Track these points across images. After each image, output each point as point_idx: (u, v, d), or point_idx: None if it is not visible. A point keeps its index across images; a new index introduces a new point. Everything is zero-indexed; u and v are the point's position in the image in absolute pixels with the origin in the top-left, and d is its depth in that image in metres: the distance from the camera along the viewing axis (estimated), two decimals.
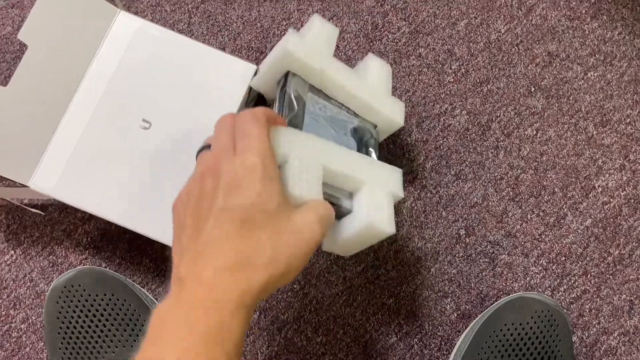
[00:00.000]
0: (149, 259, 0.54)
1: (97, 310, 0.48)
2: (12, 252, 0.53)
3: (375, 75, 0.48)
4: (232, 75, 0.49)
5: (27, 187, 0.46)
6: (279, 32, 0.58)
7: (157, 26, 0.50)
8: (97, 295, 0.48)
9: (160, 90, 0.48)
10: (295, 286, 0.54)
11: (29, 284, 0.54)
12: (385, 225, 0.40)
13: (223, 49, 0.57)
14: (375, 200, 0.41)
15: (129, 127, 0.48)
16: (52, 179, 0.47)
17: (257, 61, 0.57)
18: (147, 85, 0.48)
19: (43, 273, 0.54)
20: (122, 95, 0.48)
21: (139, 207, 0.47)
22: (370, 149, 0.47)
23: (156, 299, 0.53)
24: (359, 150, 0.46)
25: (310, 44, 0.43)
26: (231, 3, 0.58)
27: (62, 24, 0.47)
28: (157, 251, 0.54)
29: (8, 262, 0.53)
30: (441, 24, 0.59)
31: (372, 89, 0.47)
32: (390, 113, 0.48)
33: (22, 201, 0.53)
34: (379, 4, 0.59)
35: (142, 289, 0.53)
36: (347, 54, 0.58)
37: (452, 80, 0.58)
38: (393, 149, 0.56)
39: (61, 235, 0.54)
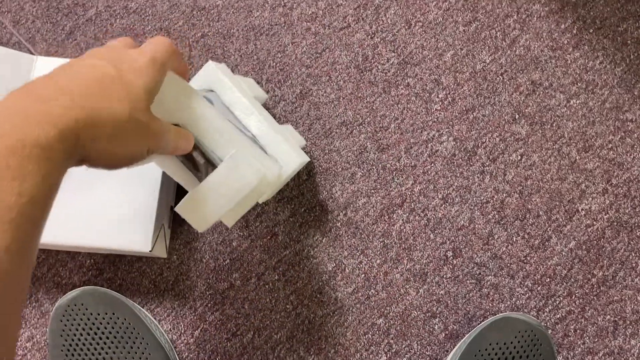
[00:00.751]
0: (148, 280, 0.57)
1: (98, 328, 0.50)
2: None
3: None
4: None
5: None
6: (274, 63, 0.61)
7: (58, 59, 0.53)
8: (98, 314, 0.51)
9: None
10: (288, 306, 0.56)
11: (34, 304, 0.56)
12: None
13: None
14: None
15: None
16: None
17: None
18: None
19: (48, 293, 0.57)
20: None
21: (114, 226, 0.50)
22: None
23: (155, 318, 0.55)
24: None
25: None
26: (229, 37, 0.62)
27: None
28: (155, 272, 0.57)
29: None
30: (428, 55, 0.62)
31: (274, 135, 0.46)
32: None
33: None
34: (369, 36, 0.62)
35: (141, 308, 0.55)
36: (339, 84, 0.61)
37: (439, 108, 0.60)
38: (382, 173, 0.59)
39: (65, 258, 0.57)
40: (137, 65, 0.34)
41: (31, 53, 0.60)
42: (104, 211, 0.51)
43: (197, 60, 0.61)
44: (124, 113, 0.31)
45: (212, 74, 0.46)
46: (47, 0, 0.61)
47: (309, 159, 0.48)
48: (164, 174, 0.52)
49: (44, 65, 0.53)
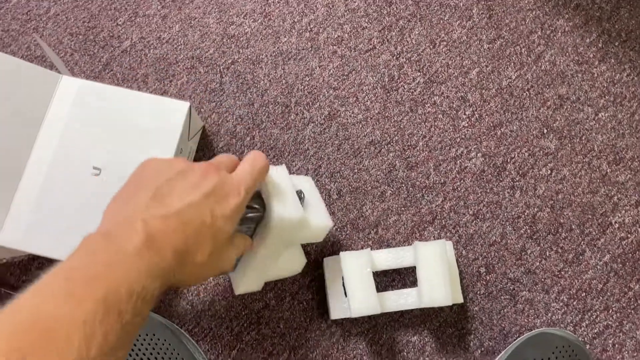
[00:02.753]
0: (185, 301, 0.58)
1: (139, 350, 0.52)
2: None
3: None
4: (168, 114, 0.54)
5: None
6: (302, 87, 0.63)
7: (96, 83, 0.55)
8: (139, 335, 0.52)
9: (105, 138, 0.54)
10: (322, 325, 0.56)
11: None
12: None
13: (252, 105, 0.62)
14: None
15: (81, 175, 0.53)
16: (18, 234, 0.52)
17: (283, 114, 0.62)
18: (93, 135, 0.54)
19: None
20: (73, 148, 0.54)
21: None
22: None
23: (192, 338, 0.57)
24: None
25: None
26: (258, 62, 0.64)
27: (10, 95, 0.53)
28: (192, 294, 0.58)
29: None
30: (454, 73, 0.63)
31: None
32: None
33: None
34: (394, 57, 0.63)
35: (180, 329, 0.56)
36: (366, 104, 0.62)
37: (466, 125, 0.61)
38: (412, 191, 0.59)
39: None
40: (229, 211, 0.39)
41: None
42: (94, 229, 0.52)
43: (228, 87, 0.63)
44: (205, 255, 0.37)
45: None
46: (84, 34, 0.64)
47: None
48: None
49: (69, 84, 0.55)
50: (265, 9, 0.65)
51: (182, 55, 0.64)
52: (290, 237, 0.48)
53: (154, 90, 0.63)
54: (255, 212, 0.46)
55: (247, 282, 0.49)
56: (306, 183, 0.53)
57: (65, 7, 0.65)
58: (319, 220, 0.50)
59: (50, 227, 0.52)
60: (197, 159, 0.61)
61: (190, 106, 0.55)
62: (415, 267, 0.53)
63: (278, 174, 0.48)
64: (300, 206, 0.47)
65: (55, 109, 0.55)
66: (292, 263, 0.53)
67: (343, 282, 0.53)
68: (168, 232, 0.35)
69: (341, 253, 0.53)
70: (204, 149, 0.61)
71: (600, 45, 0.63)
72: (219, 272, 0.42)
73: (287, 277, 0.54)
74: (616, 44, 0.63)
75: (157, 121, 0.54)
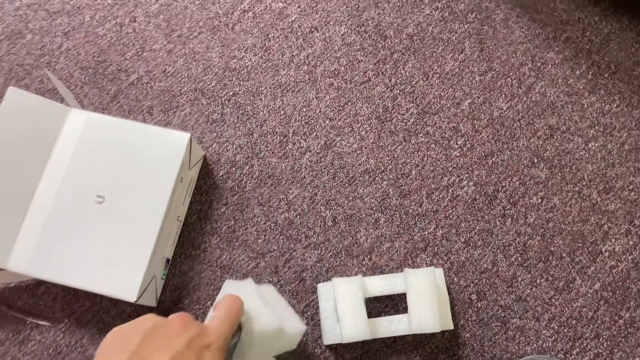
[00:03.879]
0: None
1: None
2: (66, 320, 0.60)
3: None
4: (169, 145, 0.57)
5: (5, 269, 0.54)
6: (300, 117, 0.65)
7: (102, 115, 0.59)
8: None
9: (109, 168, 0.57)
10: (316, 350, 0.58)
11: (79, 349, 0.60)
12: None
13: (251, 135, 0.65)
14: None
15: (86, 203, 0.56)
16: (25, 260, 0.54)
17: (281, 143, 0.64)
18: (98, 165, 0.57)
19: (92, 339, 0.60)
20: (79, 177, 0.57)
21: (108, 273, 0.54)
22: None
23: None
24: None
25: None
26: (258, 94, 0.66)
27: (21, 127, 0.57)
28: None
29: (62, 329, 0.60)
30: (446, 104, 0.65)
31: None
32: None
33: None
34: (388, 89, 0.66)
35: None
36: (361, 134, 0.64)
37: (458, 154, 0.63)
38: (405, 218, 0.61)
39: (108, 305, 0.61)
40: (210, 347, 0.39)
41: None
42: (99, 256, 0.55)
43: (229, 117, 0.66)
44: None
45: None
46: (94, 68, 0.68)
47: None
48: (162, 227, 0.55)
49: (77, 116, 0.58)
50: (265, 44, 0.68)
51: (185, 88, 0.67)
52: (269, 349, 0.49)
53: (158, 121, 0.66)
54: (234, 340, 0.47)
55: None
56: (272, 292, 0.54)
57: (76, 42, 0.69)
58: (294, 326, 0.50)
59: (56, 253, 0.54)
60: (197, 187, 0.63)
61: (190, 137, 0.57)
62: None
63: (247, 295, 0.49)
64: (275, 317, 0.48)
65: (63, 139, 0.58)
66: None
67: (335, 308, 0.54)
68: None
69: (333, 279, 0.54)
70: (205, 177, 0.63)
71: (590, 77, 0.65)
72: None
73: None
74: (606, 75, 0.64)
75: (159, 151, 0.57)
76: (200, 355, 0.37)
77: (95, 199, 0.56)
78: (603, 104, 0.63)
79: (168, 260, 0.60)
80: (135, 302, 0.54)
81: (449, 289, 0.58)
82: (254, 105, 0.66)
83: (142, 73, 0.68)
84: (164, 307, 0.60)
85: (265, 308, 0.48)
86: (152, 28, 0.69)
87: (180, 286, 0.60)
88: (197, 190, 0.63)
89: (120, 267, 0.54)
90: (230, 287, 0.51)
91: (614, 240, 0.58)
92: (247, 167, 0.64)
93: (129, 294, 0.53)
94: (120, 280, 0.54)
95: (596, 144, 0.62)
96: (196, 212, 0.62)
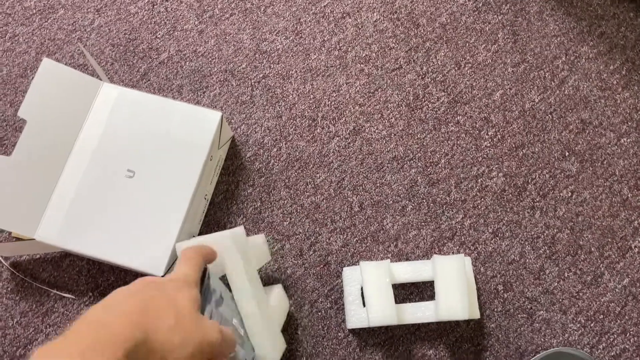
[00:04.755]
0: None
1: None
2: (90, 293, 0.60)
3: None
4: (200, 123, 0.57)
5: (34, 239, 0.54)
6: (329, 102, 0.65)
7: (134, 91, 0.58)
8: None
9: (140, 142, 0.57)
10: (339, 334, 0.57)
11: None
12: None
13: (280, 118, 0.64)
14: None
15: (116, 177, 0.56)
16: (54, 231, 0.54)
17: (310, 128, 0.64)
18: (129, 140, 0.57)
19: None
20: (110, 151, 0.56)
21: (135, 247, 0.54)
22: None
23: None
24: None
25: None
26: (288, 78, 0.66)
27: (54, 99, 0.57)
28: None
29: (86, 303, 0.60)
30: (478, 94, 0.64)
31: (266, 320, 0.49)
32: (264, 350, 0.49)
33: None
34: (419, 77, 0.65)
35: None
36: (391, 121, 0.64)
37: (488, 145, 0.62)
38: (433, 207, 0.61)
39: (132, 279, 0.61)
40: (177, 284, 0.40)
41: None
42: (127, 229, 0.55)
43: (259, 100, 0.66)
44: (171, 322, 0.36)
45: (223, 249, 0.49)
46: (125, 45, 0.68)
47: (283, 349, 0.52)
48: (190, 204, 0.55)
49: (109, 90, 0.58)
50: (297, 27, 0.68)
51: (216, 69, 0.67)
52: (246, 253, 0.50)
53: (188, 100, 0.65)
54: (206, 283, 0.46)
55: (272, 343, 0.50)
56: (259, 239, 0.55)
57: (108, 19, 0.69)
58: (256, 242, 0.52)
59: (84, 225, 0.54)
60: (225, 167, 0.63)
61: (222, 116, 0.57)
62: (433, 282, 0.54)
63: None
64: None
65: (95, 113, 0.58)
66: (280, 301, 0.55)
67: (362, 292, 0.54)
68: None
69: (361, 262, 0.54)
70: (232, 158, 0.63)
71: (624, 72, 0.64)
72: (190, 346, 0.37)
73: (284, 318, 0.55)
74: None
75: (190, 129, 0.57)
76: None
77: (126, 172, 0.56)
78: (637, 100, 0.63)
79: (194, 237, 0.60)
80: (163, 276, 0.53)
81: (475, 278, 0.58)
82: (284, 89, 0.66)
83: (173, 52, 0.68)
84: None
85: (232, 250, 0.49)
86: (184, 8, 0.69)
87: None
88: (224, 171, 0.63)
89: (148, 241, 0.54)
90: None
91: None
92: (275, 150, 0.63)
93: (156, 268, 0.53)
94: (147, 255, 0.54)
95: (629, 140, 0.61)
96: (223, 192, 0.62)
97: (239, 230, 0.51)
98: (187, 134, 0.57)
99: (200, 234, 0.61)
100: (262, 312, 0.49)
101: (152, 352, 0.34)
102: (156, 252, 0.54)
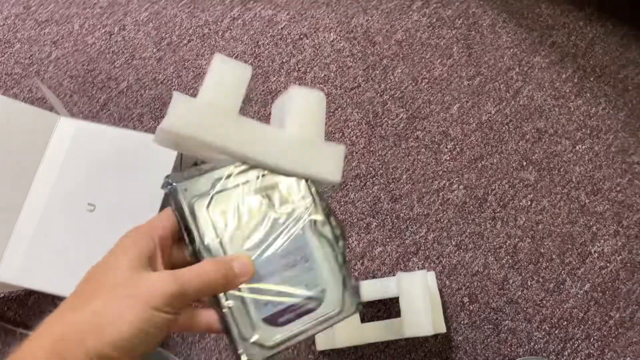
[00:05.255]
0: (176, 334, 0.59)
1: None
2: None
3: (300, 117, 0.38)
4: (160, 153, 0.55)
5: None
6: None
7: (92, 123, 0.58)
8: None
9: (100, 175, 0.56)
10: (310, 356, 0.57)
11: None
12: None
13: None
14: None
15: (77, 211, 0.55)
16: (14, 270, 0.54)
17: None
18: (89, 173, 0.56)
19: None
20: (69, 185, 0.56)
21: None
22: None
23: None
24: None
25: (204, 110, 0.36)
26: (249, 101, 0.67)
27: (10, 136, 0.56)
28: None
29: None
30: (435, 108, 0.65)
31: (294, 140, 0.37)
32: (318, 170, 0.37)
33: None
34: (378, 94, 0.66)
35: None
36: (352, 139, 0.65)
37: (448, 158, 0.63)
38: (397, 223, 0.61)
39: None
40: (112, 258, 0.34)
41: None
42: (90, 264, 0.53)
43: None
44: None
45: None
46: (83, 76, 0.68)
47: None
48: None
49: (66, 125, 0.58)
50: (255, 51, 0.68)
51: None
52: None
53: (149, 129, 0.65)
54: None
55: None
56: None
57: (65, 51, 0.69)
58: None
59: (46, 262, 0.54)
60: None
61: None
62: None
63: None
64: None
65: (53, 148, 0.58)
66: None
67: None
68: None
69: None
70: None
71: (576, 80, 0.65)
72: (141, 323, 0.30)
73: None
74: (591, 79, 0.65)
75: (150, 158, 0.57)
76: None
77: (86, 207, 0.56)
78: (589, 107, 0.64)
79: None
80: None
81: (440, 292, 0.58)
82: (244, 112, 0.66)
83: (132, 81, 0.68)
84: None
85: None
86: (142, 36, 0.69)
87: None
88: None
89: None
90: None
91: (602, 241, 0.59)
92: None
93: None
94: None
95: (583, 147, 0.63)
96: None
97: None
98: (148, 164, 0.57)
99: None
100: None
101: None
102: None
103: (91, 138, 0.58)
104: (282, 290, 0.34)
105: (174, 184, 0.34)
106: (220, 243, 0.33)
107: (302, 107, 0.38)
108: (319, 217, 0.36)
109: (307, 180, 0.37)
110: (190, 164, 0.62)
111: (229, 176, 0.35)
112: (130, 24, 0.70)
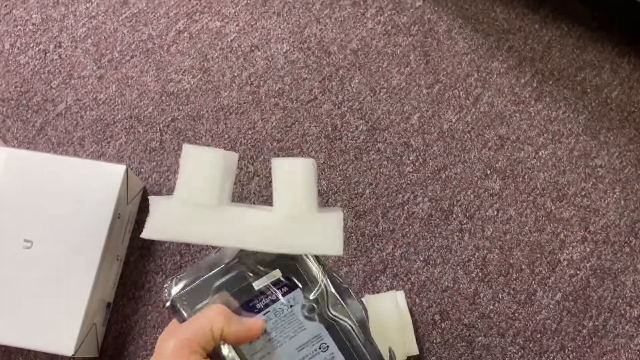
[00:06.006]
0: None
1: None
2: None
3: (288, 192, 0.37)
4: (103, 179, 0.52)
5: None
6: (245, 140, 0.62)
7: (25, 151, 0.53)
8: None
9: (37, 208, 0.51)
10: None
11: None
12: None
13: None
14: None
15: (12, 249, 0.50)
16: None
17: None
18: (24, 206, 0.51)
19: None
20: (2, 221, 0.51)
21: (40, 325, 0.49)
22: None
23: None
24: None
25: (180, 211, 0.35)
26: (199, 119, 0.63)
27: None
28: None
29: None
30: (395, 119, 0.63)
31: (285, 221, 0.36)
32: (316, 248, 0.36)
33: None
34: (336, 106, 0.63)
35: None
36: (311, 154, 0.62)
37: (411, 170, 0.61)
38: (362, 240, 0.59)
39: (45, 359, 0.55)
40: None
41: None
42: (28, 307, 0.49)
43: (169, 145, 0.62)
44: None
45: None
46: (17, 99, 0.62)
47: None
48: (99, 269, 0.50)
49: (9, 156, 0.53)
50: (204, 65, 0.65)
51: (120, 115, 0.62)
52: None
53: (91, 153, 0.61)
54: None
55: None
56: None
57: None
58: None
59: None
60: (138, 222, 0.58)
61: (126, 169, 0.53)
62: None
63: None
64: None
65: None
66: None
67: None
68: None
69: None
70: (145, 211, 0.59)
71: (535, 84, 0.64)
72: None
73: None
74: (550, 82, 0.65)
75: (92, 187, 0.52)
76: None
77: (23, 243, 0.51)
78: (550, 111, 0.63)
79: (109, 304, 0.55)
80: (74, 355, 0.49)
81: (411, 311, 0.56)
82: (195, 130, 0.62)
83: (71, 102, 0.63)
84: (107, 357, 0.55)
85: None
86: (80, 53, 0.64)
87: (124, 331, 0.55)
88: (137, 226, 0.58)
89: (54, 318, 0.49)
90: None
91: (571, 248, 0.58)
92: None
93: (65, 348, 0.48)
94: (54, 333, 0.49)
95: (546, 152, 0.62)
96: (138, 250, 0.57)
97: None
98: (89, 193, 0.52)
99: (117, 298, 0.56)
100: None
101: None
102: (64, 328, 0.49)
103: (26, 167, 0.53)
104: None
105: (173, 298, 0.34)
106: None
107: (289, 181, 0.36)
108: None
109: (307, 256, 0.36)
110: (136, 192, 0.58)
111: (227, 271, 0.35)
112: (66, 41, 0.65)
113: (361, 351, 0.35)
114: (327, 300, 0.36)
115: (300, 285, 0.36)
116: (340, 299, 0.36)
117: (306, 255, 0.37)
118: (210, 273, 0.35)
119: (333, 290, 0.36)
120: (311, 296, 0.35)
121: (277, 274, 0.36)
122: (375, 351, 0.35)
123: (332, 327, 0.35)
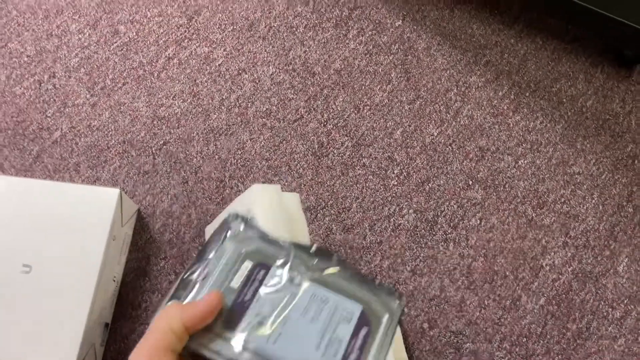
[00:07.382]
0: None
1: None
2: None
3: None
4: (98, 203, 0.54)
5: None
6: (235, 160, 0.64)
7: (22, 179, 0.55)
8: None
9: (35, 234, 0.53)
10: None
11: None
12: None
13: (186, 183, 0.63)
14: None
15: (11, 274, 0.52)
16: None
17: (218, 189, 0.63)
18: (22, 232, 0.53)
19: None
20: (1, 247, 0.52)
21: (39, 348, 0.50)
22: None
23: None
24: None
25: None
26: (190, 141, 0.65)
27: None
28: None
29: None
30: (379, 135, 0.65)
31: None
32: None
33: None
34: (321, 124, 0.66)
35: None
36: (299, 172, 0.64)
37: (396, 183, 0.63)
38: (350, 253, 0.60)
39: None
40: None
41: None
42: (28, 329, 0.51)
43: (161, 167, 0.64)
44: None
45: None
46: (13, 129, 0.65)
47: None
48: (96, 291, 0.52)
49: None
50: (193, 89, 0.67)
51: (113, 141, 0.65)
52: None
53: (86, 178, 0.63)
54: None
55: None
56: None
57: None
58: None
59: None
60: (133, 243, 0.60)
61: (120, 192, 0.55)
62: None
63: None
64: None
65: None
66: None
67: None
68: None
69: None
70: (140, 232, 0.61)
71: (512, 97, 0.67)
72: None
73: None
74: (527, 94, 0.67)
75: (87, 211, 0.54)
76: None
77: (21, 268, 0.52)
78: (528, 122, 0.66)
79: (107, 324, 0.57)
80: None
81: (400, 320, 0.57)
82: (187, 153, 0.65)
83: (66, 130, 0.65)
84: None
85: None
86: (74, 82, 0.67)
87: (122, 351, 0.57)
88: (133, 247, 0.60)
89: (53, 340, 0.51)
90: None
91: (553, 253, 0.60)
92: (185, 217, 0.61)
93: None
94: (53, 355, 0.50)
95: (525, 161, 0.64)
96: (133, 270, 0.59)
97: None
98: (84, 217, 0.54)
99: (114, 318, 0.58)
100: None
101: None
102: (63, 350, 0.50)
103: (23, 194, 0.55)
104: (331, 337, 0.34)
105: None
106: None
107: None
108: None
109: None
110: (130, 215, 0.60)
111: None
112: (60, 71, 0.67)
113: (354, 287, 0.37)
114: (305, 262, 0.37)
115: (272, 263, 0.37)
116: (314, 255, 0.37)
117: (267, 235, 0.38)
118: (197, 286, 0.37)
119: (303, 252, 0.37)
120: (287, 267, 0.37)
121: (247, 265, 0.37)
122: (367, 278, 0.38)
123: (320, 279, 0.36)
